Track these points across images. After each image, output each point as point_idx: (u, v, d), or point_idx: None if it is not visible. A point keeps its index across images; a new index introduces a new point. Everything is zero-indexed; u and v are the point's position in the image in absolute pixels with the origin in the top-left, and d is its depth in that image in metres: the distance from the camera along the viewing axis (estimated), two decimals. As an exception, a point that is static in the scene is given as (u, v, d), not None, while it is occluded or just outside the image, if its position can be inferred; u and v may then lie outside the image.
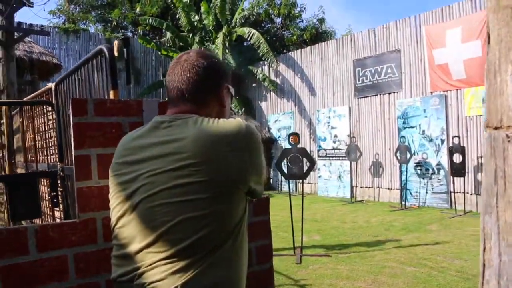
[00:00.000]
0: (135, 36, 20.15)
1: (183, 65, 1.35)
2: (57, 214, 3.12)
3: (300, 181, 10.71)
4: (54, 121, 3.14)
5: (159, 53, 17.10)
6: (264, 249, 2.01)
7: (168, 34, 17.78)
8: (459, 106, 9.99)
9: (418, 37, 10.90)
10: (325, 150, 13.36)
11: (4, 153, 6.00)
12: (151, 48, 17.09)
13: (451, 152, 9.29)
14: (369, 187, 12.11)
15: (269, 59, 15.07)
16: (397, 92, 11.38)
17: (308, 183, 13.81)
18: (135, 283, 1.19)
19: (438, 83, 10.34)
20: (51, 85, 3.03)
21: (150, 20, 17.22)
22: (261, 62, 15.93)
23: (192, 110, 1.33)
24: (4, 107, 5.77)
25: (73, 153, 1.58)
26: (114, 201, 1.30)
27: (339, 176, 12.92)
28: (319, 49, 14.01)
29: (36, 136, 3.56)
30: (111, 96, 1.86)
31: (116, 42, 2.19)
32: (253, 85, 16.42)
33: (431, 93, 10.54)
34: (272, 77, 15.68)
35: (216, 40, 15.96)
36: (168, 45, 17.84)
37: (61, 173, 2.70)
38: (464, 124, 9.90)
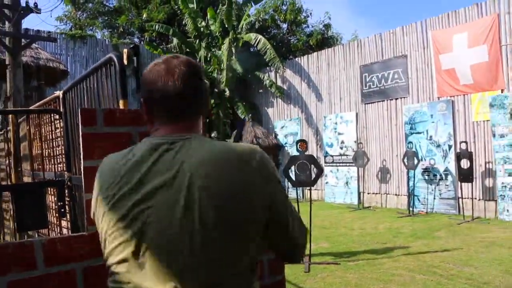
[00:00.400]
0: (142, 42, 20.22)
1: (177, 73, 1.14)
2: (63, 224, 3.10)
3: (308, 188, 10.67)
4: (61, 129, 3.13)
5: (166, 59, 17.12)
6: (277, 260, 1.98)
7: (175, 40, 17.83)
8: (466, 111, 9.92)
9: (424, 42, 10.85)
10: (332, 156, 13.30)
11: (10, 161, 6.00)
12: (157, 54, 17.12)
13: (458, 157, 9.22)
14: (377, 193, 12.04)
15: (276, 65, 15.06)
16: (404, 97, 11.32)
17: (315, 189, 13.74)
18: None
19: (445, 88, 10.28)
20: (59, 93, 3.02)
21: (156, 26, 17.29)
22: (267, 68, 15.92)
23: (189, 127, 1.16)
24: (11, 115, 5.79)
25: (82, 163, 1.56)
26: (113, 240, 1.07)
27: (346, 182, 12.86)
28: (326, 54, 14.00)
29: (43, 144, 3.55)
30: (121, 106, 1.85)
31: (125, 50, 2.17)
32: (260, 91, 16.41)
33: (438, 98, 10.48)
34: (279, 83, 15.67)
35: (222, 46, 15.99)
36: (175, 51, 17.88)
37: (68, 183, 2.68)
38: (471, 130, 9.82)
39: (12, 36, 7.56)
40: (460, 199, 9.74)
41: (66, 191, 2.77)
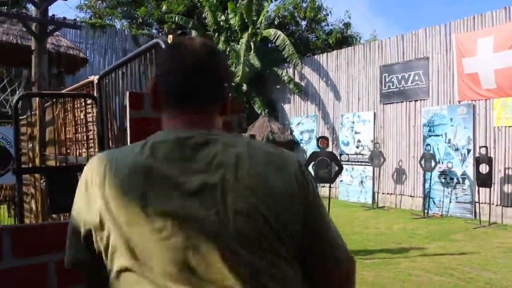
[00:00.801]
0: (160, 34, 20.28)
1: (196, 57, 1.01)
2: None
3: (323, 185, 10.68)
4: (94, 114, 3.16)
5: (185, 51, 17.17)
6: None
7: (194, 33, 17.85)
8: (488, 116, 9.82)
9: (447, 45, 10.75)
10: (347, 154, 13.27)
11: (34, 144, 6.07)
12: (176, 46, 17.17)
13: (477, 162, 9.14)
14: (391, 194, 11.98)
15: (294, 61, 15.04)
16: (423, 99, 11.24)
17: (329, 186, 13.70)
18: None
19: (466, 92, 10.18)
20: (93, 78, 3.04)
21: (176, 18, 17.33)
22: (285, 64, 15.89)
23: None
24: (37, 99, 5.86)
25: None
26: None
27: (361, 182, 12.82)
28: (346, 53, 13.94)
29: (74, 129, 3.59)
30: None
31: (170, 36, 2.19)
32: (277, 87, 16.40)
33: (459, 102, 10.39)
34: (297, 79, 15.64)
35: (241, 40, 15.99)
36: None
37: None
38: (492, 135, 9.73)
39: (38, 21, 7.61)
40: (477, 204, 9.66)
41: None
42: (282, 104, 16.28)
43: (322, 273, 1.04)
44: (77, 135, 3.54)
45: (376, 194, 12.33)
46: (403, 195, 11.65)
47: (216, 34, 17.37)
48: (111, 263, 0.91)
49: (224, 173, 0.90)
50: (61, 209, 2.78)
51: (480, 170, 9.05)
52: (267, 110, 15.80)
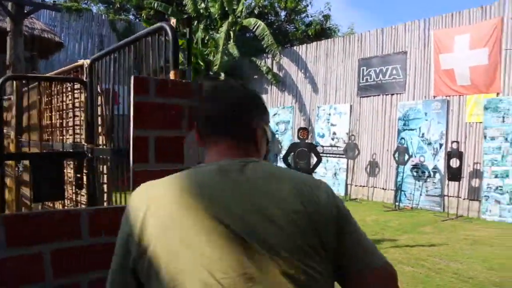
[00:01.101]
0: (138, 20, 19.99)
1: (235, 87, 1.17)
2: (69, 197, 3.14)
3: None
4: (81, 100, 3.14)
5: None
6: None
7: (172, 20, 17.63)
8: (461, 112, 10.09)
9: (426, 40, 10.95)
10: (322, 146, 13.41)
11: (8, 131, 5.96)
12: (155, 32, 16.97)
13: (449, 156, 9.39)
14: (364, 186, 12.21)
15: (273, 52, 15.06)
16: (400, 93, 11.45)
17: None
18: None
19: (442, 87, 10.41)
20: (83, 61, 3.02)
21: (155, 4, 17.10)
22: (264, 54, 15.89)
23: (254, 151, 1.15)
24: (14, 82, 5.74)
25: (131, 133, 1.58)
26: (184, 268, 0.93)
27: (335, 174, 13.00)
28: (325, 45, 14.03)
29: (58, 115, 3.56)
30: (171, 77, 1.87)
31: (173, 20, 2.19)
32: (255, 77, 16.40)
33: (434, 97, 10.63)
34: (275, 70, 15.67)
35: (221, 29, 15.90)
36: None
37: (89, 155, 2.70)
38: (463, 130, 10.00)
39: (16, 2, 7.43)
40: (446, 197, 9.95)
41: (85, 163, 2.79)
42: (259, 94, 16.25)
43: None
44: (61, 120, 3.50)
45: (349, 186, 12.54)
46: (376, 187, 11.88)
47: (196, 22, 17.20)
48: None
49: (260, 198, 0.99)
50: (45, 197, 2.77)
51: (451, 164, 9.30)
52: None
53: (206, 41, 16.67)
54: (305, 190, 1.02)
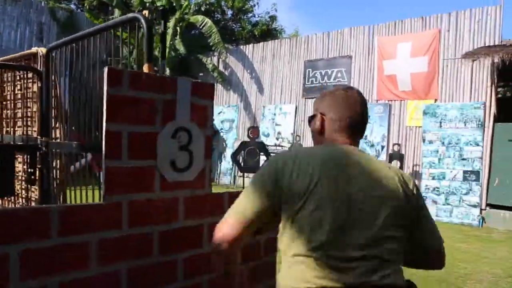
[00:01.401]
0: (80, 10, 19.26)
1: (360, 101, 1.59)
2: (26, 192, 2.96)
3: (240, 174, 10.82)
4: (33, 90, 2.98)
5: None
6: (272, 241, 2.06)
7: (117, 12, 17.14)
8: (402, 116, 10.51)
9: (370, 46, 11.30)
10: (267, 146, 13.50)
11: None
12: (98, 23, 16.40)
13: (390, 158, 9.75)
14: (309, 186, 12.40)
15: (219, 50, 15.00)
16: (344, 96, 11.71)
17: (246, 177, 13.90)
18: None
19: (384, 92, 10.79)
20: (36, 49, 2.85)
21: (99, -6, 16.56)
22: (210, 52, 15.80)
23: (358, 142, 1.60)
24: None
25: (104, 127, 1.50)
26: (327, 208, 1.34)
27: (280, 173, 13.11)
28: (272, 46, 14.13)
29: (8, 105, 3.34)
30: (145, 70, 1.80)
31: (145, 12, 2.11)
32: (200, 74, 16.26)
33: (377, 101, 10.99)
34: (221, 68, 15.61)
35: (168, 24, 15.61)
36: (116, 23, 17.19)
37: (44, 148, 2.55)
38: (404, 133, 10.43)
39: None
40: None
41: (38, 157, 2.64)
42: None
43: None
44: (8, 111, 3.29)
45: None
46: (320, 187, 12.11)
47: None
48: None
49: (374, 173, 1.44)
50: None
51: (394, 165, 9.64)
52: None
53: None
54: (403, 178, 1.50)
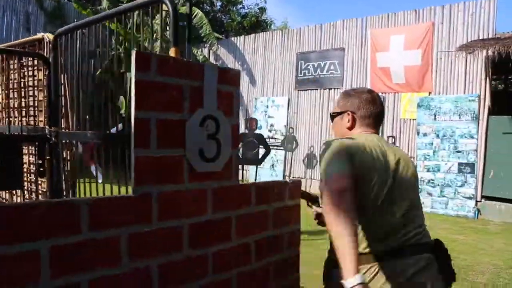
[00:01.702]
0: (68, 1, 18.89)
1: (380, 101, 2.02)
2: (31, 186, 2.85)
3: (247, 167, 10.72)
4: (39, 78, 2.87)
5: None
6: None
7: (105, 3, 16.83)
8: (395, 108, 10.50)
9: (363, 38, 11.26)
10: (260, 138, 13.44)
11: None
12: (86, 14, 16.11)
13: (385, 151, 9.74)
14: (302, 178, 12.36)
15: (210, 41, 14.85)
16: (337, 88, 11.69)
17: (240, 169, 13.80)
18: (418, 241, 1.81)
19: (378, 84, 10.76)
20: (42, 35, 2.73)
21: (87, -16, 16.25)
22: (201, 44, 15.64)
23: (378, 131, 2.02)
24: None
25: (132, 114, 1.41)
26: (383, 186, 1.76)
27: (272, 165, 13.08)
28: (263, 38, 14.03)
29: (4, 94, 3.21)
30: (172, 55, 1.70)
31: None
32: (191, 65, 16.05)
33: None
34: (211, 60, 15.46)
35: (157, 15, 15.39)
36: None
37: (53, 139, 2.44)
38: (398, 126, 10.43)
39: None
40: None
41: (47, 148, 2.52)
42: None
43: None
44: (11, 101, 3.16)
45: (286, 178, 12.66)
46: (313, 179, 12.10)
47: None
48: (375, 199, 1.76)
49: (400, 154, 1.89)
50: (2, 186, 2.48)
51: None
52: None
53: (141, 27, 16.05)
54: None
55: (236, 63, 14.69)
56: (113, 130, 5.18)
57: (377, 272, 1.72)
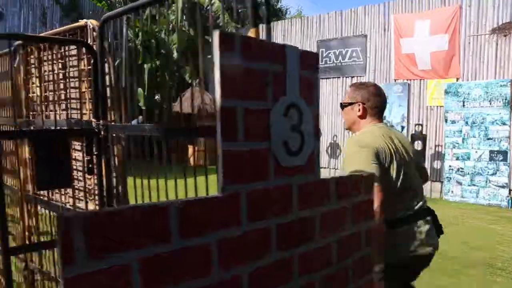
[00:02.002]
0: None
1: (383, 93, 2.45)
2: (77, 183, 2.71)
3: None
4: (80, 68, 2.73)
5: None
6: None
7: (118, -7, 16.76)
8: (421, 95, 10.25)
9: (386, 24, 10.99)
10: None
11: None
12: (101, 7, 16.05)
13: (412, 139, 9.52)
14: (325, 168, 12.22)
15: (230, 30, 14.64)
16: (360, 76, 11.45)
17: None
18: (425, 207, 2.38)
19: (402, 71, 10.52)
20: (85, 21, 2.59)
21: (103, -23, 16.15)
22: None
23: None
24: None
25: (218, 103, 1.25)
26: (398, 168, 2.24)
27: (293, 156, 12.91)
28: (282, 26, 13.81)
29: (44, 87, 3.08)
30: (252, 36, 1.53)
31: None
32: (208, 56, 15.91)
33: (395, 80, 10.73)
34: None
35: (173, 6, 15.23)
36: (119, 6, 16.81)
37: (102, 132, 2.30)
38: (424, 113, 10.18)
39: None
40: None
41: (95, 142, 2.39)
42: (213, 74, 15.81)
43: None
44: (47, 93, 3.03)
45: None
46: (337, 169, 11.93)
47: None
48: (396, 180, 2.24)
49: (401, 138, 2.42)
50: (51, 184, 2.35)
51: (415, 147, 9.42)
52: (198, 80, 15.34)
53: (157, 18, 15.94)
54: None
55: (254, 53, 14.47)
56: (134, 122, 5.05)
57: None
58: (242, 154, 1.30)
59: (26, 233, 3.55)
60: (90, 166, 2.35)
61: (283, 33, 13.65)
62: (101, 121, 2.30)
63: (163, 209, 1.10)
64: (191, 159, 13.56)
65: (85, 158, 2.38)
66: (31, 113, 3.34)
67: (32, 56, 3.28)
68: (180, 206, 1.13)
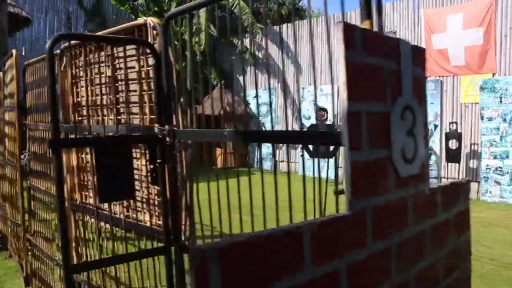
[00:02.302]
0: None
1: None
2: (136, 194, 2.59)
3: (281, 159, 10.44)
4: (139, 69, 2.60)
5: (133, 16, 16.03)
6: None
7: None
8: (455, 92, 9.96)
9: (415, 20, 10.72)
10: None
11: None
12: (124, 10, 16.05)
13: (447, 137, 9.26)
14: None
15: (254, 31, 14.52)
16: (390, 74, 11.18)
17: (328, 161, 13.50)
18: None
19: (434, 68, 10.23)
20: (145, 20, 2.45)
21: (127, -20, 16.14)
22: (243, 34, 15.33)
23: None
24: (14, 51, 5.09)
25: (345, 107, 1.09)
26: None
27: (323, 156, 12.71)
28: (307, 25, 13.62)
29: (96, 90, 2.97)
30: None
31: None
32: (233, 57, 15.82)
33: (426, 77, 10.43)
34: (253, 50, 15.15)
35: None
36: (142, 9, 16.80)
37: (167, 139, 2.16)
38: (459, 111, 9.89)
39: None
40: (444, 179, 9.84)
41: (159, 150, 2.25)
42: (238, 75, 15.76)
43: None
44: (99, 97, 2.91)
45: (339, 169, 12.29)
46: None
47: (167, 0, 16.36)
48: None
49: None
50: (115, 195, 2.22)
51: (450, 146, 9.17)
52: (223, 81, 15.23)
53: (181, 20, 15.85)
54: None
55: (280, 53, 14.29)
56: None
57: None
58: (366, 165, 1.14)
59: (73, 244, 3.46)
60: (154, 175, 2.22)
61: (308, 32, 13.45)
62: (166, 127, 2.17)
63: (297, 232, 0.94)
64: (218, 161, 13.48)
65: (148, 167, 2.25)
66: (78, 118, 3.25)
67: (78, 60, 3.17)
68: (312, 228, 0.97)
